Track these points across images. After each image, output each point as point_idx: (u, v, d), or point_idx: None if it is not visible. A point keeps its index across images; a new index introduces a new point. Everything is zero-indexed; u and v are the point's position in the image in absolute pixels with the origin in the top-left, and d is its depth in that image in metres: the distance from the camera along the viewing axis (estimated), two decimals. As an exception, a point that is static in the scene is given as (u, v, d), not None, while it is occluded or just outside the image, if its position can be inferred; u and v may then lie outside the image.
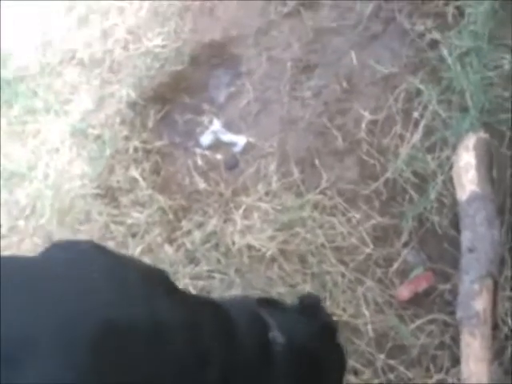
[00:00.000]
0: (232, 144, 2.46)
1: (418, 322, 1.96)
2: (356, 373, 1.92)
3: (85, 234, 2.32)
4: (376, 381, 1.90)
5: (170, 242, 2.26)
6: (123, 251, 2.18)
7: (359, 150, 2.30)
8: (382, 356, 1.93)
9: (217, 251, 2.20)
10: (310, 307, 1.63)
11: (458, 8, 2.47)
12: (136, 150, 2.50)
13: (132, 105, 2.63)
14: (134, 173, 2.43)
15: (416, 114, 2.30)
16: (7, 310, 1.04)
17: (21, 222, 2.42)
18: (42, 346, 1.02)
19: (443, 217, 2.09)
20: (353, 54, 2.53)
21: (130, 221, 2.33)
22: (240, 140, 2.46)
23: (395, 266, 2.07)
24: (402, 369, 1.90)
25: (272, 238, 2.17)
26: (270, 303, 1.61)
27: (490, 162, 2.05)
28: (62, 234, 2.32)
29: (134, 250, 2.26)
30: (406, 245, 2.09)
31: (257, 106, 2.54)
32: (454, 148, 2.14)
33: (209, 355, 1.28)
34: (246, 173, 2.37)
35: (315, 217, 2.18)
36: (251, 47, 2.68)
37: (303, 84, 2.52)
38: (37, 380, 1.00)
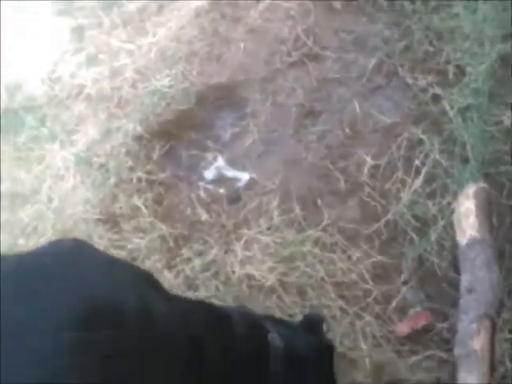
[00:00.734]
0: (235, 179, 2.43)
1: (416, 357, 1.91)
2: (352, 407, 1.86)
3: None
4: (372, 414, 1.83)
5: (170, 268, 2.20)
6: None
7: (361, 192, 2.28)
8: (378, 390, 1.87)
9: (216, 279, 2.14)
10: (314, 324, 1.59)
11: (458, 67, 2.51)
12: (140, 180, 2.46)
13: (138, 138, 2.60)
14: (137, 201, 2.38)
15: (417, 162, 2.29)
16: None
17: (21, 241, 2.35)
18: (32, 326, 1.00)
19: (443, 259, 2.06)
20: (356, 104, 2.53)
21: (130, 246, 2.27)
22: (243, 176, 2.43)
23: (394, 303, 2.02)
24: (398, 403, 1.84)
25: (272, 270, 2.12)
26: (273, 319, 1.57)
27: (489, 209, 2.03)
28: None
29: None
30: (405, 283, 2.05)
31: (261, 146, 2.52)
32: (455, 195, 2.11)
33: (202, 341, 1.23)
34: (248, 207, 2.33)
35: (315, 252, 2.14)
36: (257, 92, 2.68)
37: (307, 128, 2.51)
38: (27, 357, 0.97)
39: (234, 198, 2.37)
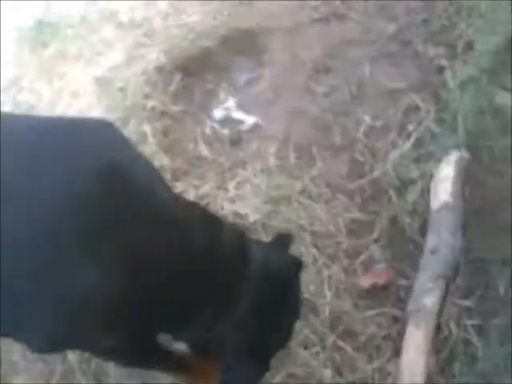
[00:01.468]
0: (240, 122, 2.46)
1: (371, 312, 1.95)
2: (306, 347, 1.91)
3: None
4: (322, 356, 1.88)
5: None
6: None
7: (353, 148, 2.31)
8: (333, 337, 1.92)
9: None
10: (284, 241, 1.64)
11: (467, 42, 2.51)
12: (153, 108, 2.49)
13: (159, 69, 2.62)
14: (146, 128, 2.42)
15: (411, 127, 2.32)
16: None
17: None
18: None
19: (414, 221, 2.09)
20: (367, 66, 2.54)
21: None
22: (249, 120, 2.45)
23: (361, 257, 2.06)
24: (348, 350, 1.89)
25: (257, 210, 2.15)
26: None
27: (465, 178, 2.06)
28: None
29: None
30: (376, 241, 2.08)
31: (271, 93, 2.53)
32: (439, 161, 2.14)
33: (194, 225, 1.34)
34: (248, 150, 2.37)
35: (300, 200, 2.18)
36: (278, 41, 2.68)
37: (317, 82, 2.52)
38: None
39: (236, 140, 2.40)
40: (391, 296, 1.97)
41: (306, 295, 1.93)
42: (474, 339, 1.86)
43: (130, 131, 2.40)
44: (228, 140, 2.42)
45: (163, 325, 1.41)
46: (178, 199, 1.44)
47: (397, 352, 1.79)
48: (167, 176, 2.27)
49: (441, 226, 1.88)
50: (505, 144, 2.19)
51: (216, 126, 2.46)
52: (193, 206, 1.48)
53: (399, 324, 1.89)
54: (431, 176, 2.10)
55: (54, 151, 1.20)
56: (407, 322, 1.72)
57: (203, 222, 1.40)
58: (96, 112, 2.49)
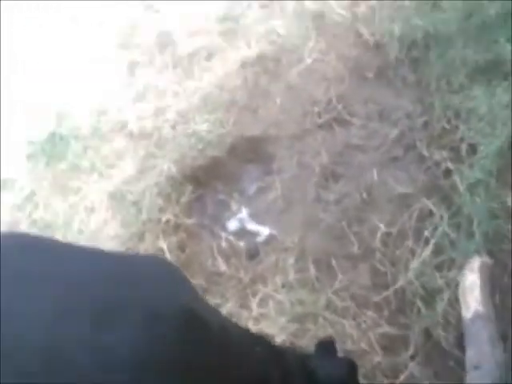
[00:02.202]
0: (256, 233, 2.34)
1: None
2: None
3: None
4: None
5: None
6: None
7: (373, 258, 2.19)
8: None
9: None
10: (329, 347, 1.53)
11: (470, 145, 2.41)
12: (168, 222, 2.38)
13: (170, 179, 2.51)
14: (162, 244, 2.30)
15: (427, 233, 2.20)
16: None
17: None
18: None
19: (449, 333, 1.94)
20: (374, 171, 2.45)
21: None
22: (263, 231, 2.34)
23: (402, 377, 1.90)
24: None
25: (284, 329, 2.02)
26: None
27: (492, 286, 1.96)
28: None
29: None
30: (412, 358, 1.93)
31: (283, 203, 2.43)
32: (461, 268, 2.03)
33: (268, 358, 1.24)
34: (266, 263, 2.24)
35: (327, 316, 2.04)
36: (285, 149, 2.60)
37: (327, 190, 2.43)
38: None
39: (253, 253, 2.28)
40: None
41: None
42: None
43: (146, 247, 2.28)
44: (245, 253, 2.29)
45: None
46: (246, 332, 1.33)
47: None
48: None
49: (478, 338, 1.77)
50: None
51: (231, 238, 2.34)
52: (260, 338, 1.36)
53: None
54: (457, 284, 1.98)
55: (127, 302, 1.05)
56: None
57: (274, 354, 1.30)
58: (111, 227, 2.37)
